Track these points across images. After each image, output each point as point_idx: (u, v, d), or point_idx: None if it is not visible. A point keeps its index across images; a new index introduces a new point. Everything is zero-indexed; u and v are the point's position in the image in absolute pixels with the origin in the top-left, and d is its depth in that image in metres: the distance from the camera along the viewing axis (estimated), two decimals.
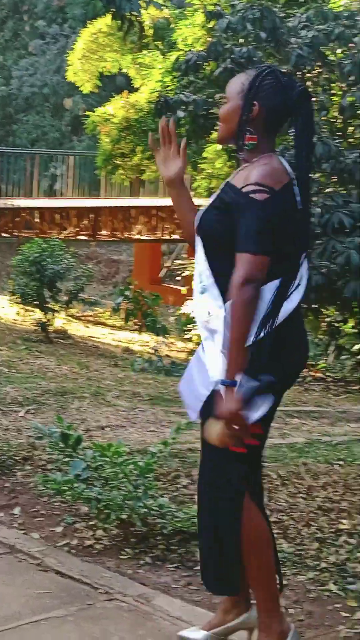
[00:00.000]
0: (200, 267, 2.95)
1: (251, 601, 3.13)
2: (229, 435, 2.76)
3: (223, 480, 2.94)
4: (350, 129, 11.10)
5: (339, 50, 11.27)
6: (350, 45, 11.04)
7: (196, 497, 3.28)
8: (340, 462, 5.30)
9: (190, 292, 16.66)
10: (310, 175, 3.04)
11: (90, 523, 4.30)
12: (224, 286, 2.84)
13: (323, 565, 3.89)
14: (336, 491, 4.72)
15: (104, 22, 18.04)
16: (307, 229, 2.99)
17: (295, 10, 12.24)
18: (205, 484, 3.04)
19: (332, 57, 11.30)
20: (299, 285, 2.90)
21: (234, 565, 2.97)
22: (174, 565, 3.95)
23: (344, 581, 3.78)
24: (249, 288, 2.73)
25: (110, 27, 15.94)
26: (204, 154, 15.54)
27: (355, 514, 4.40)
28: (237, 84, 2.96)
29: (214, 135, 12.86)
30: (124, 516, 4.12)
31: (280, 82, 2.93)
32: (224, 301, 2.84)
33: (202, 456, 3.09)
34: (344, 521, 4.30)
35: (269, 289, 2.83)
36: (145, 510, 4.08)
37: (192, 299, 13.39)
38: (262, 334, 2.79)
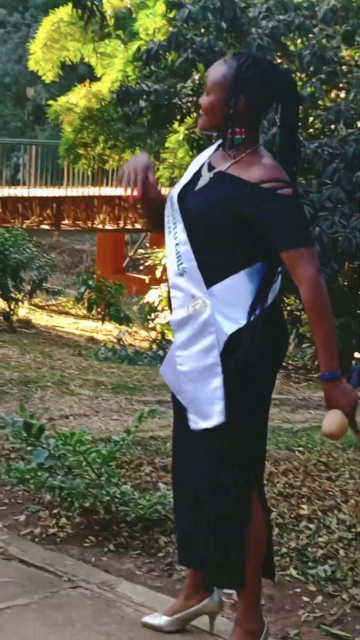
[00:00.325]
0: (181, 248, 2.88)
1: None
2: (350, 423, 2.75)
3: (232, 483, 2.88)
4: (310, 119, 11.18)
5: (299, 41, 11.34)
6: (310, 35, 11.11)
7: (171, 490, 3.32)
8: (301, 449, 5.36)
9: (153, 282, 16.69)
10: (297, 164, 2.97)
11: (54, 511, 4.32)
12: (207, 273, 2.83)
13: (284, 550, 3.94)
14: (296, 477, 4.78)
15: (66, 10, 17.92)
16: None
17: (256, 1, 12.26)
18: (209, 487, 2.92)
19: (292, 48, 11.36)
20: (281, 270, 2.92)
21: (240, 562, 2.92)
22: (137, 552, 3.98)
23: (304, 566, 3.83)
24: (322, 280, 2.76)
25: (72, 16, 15.84)
26: (166, 144, 15.51)
27: (315, 499, 4.46)
28: (219, 75, 2.86)
29: (176, 125, 12.89)
30: (87, 504, 4.14)
31: (264, 71, 2.84)
32: (207, 287, 2.83)
33: (201, 459, 2.94)
34: (304, 507, 4.36)
35: (254, 273, 2.85)
36: (108, 498, 4.10)
37: (155, 288, 13.43)
38: (252, 318, 2.82)
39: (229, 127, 2.86)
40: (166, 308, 14.37)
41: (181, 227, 2.89)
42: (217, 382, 2.81)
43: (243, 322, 2.82)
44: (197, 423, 2.87)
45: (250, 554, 2.91)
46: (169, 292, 3.00)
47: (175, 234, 2.92)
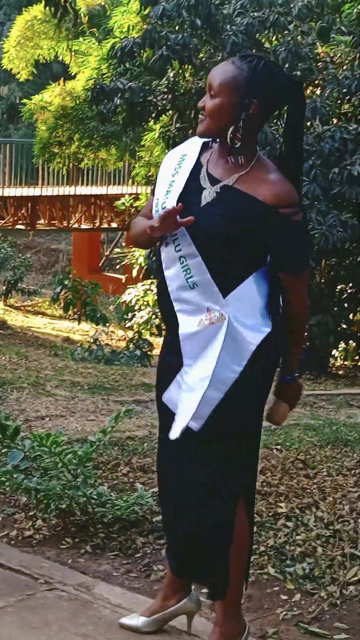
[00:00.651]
0: (190, 261, 2.76)
1: (191, 587, 3.15)
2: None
3: (222, 486, 2.85)
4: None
5: (273, 38, 11.34)
6: (285, 32, 11.11)
7: (157, 490, 3.20)
8: (278, 447, 5.35)
9: (129, 281, 16.66)
10: (301, 168, 2.92)
11: (30, 513, 4.29)
12: (224, 283, 2.76)
13: (262, 548, 3.93)
14: (274, 475, 4.77)
15: (39, 8, 17.88)
16: None
17: None
18: (197, 489, 2.86)
19: (267, 45, 11.36)
20: None
21: (225, 570, 2.92)
22: (114, 553, 3.95)
23: (282, 564, 3.82)
24: (306, 298, 2.93)
25: (46, 14, 15.77)
26: (142, 142, 15.51)
27: (293, 497, 4.44)
28: (228, 77, 2.74)
29: (152, 123, 12.85)
30: (64, 506, 4.11)
31: (275, 75, 2.76)
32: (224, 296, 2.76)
33: (190, 460, 2.88)
34: (282, 505, 4.34)
35: (261, 276, 2.83)
36: (85, 499, 4.07)
37: (132, 287, 13.38)
38: (275, 324, 2.83)
39: (240, 132, 2.74)
40: (143, 307, 14.35)
41: (186, 239, 2.77)
42: (201, 393, 2.75)
43: (267, 329, 2.80)
44: (174, 432, 2.82)
45: (232, 560, 2.89)
46: (164, 305, 2.90)
47: (178, 246, 2.79)
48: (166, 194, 2.85)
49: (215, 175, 2.81)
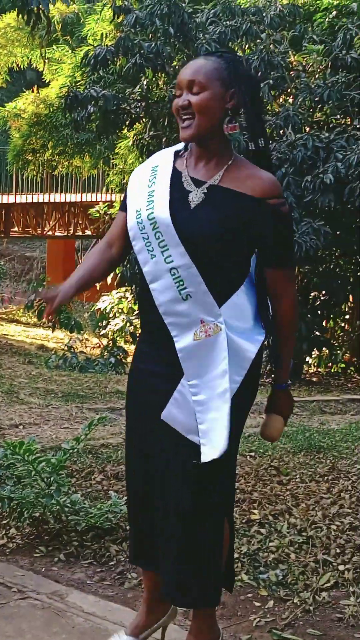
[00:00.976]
0: (183, 272, 2.68)
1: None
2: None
3: (211, 500, 2.78)
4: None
5: (246, 46, 11.39)
6: (257, 41, 11.17)
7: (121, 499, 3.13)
8: (252, 454, 5.37)
9: (104, 288, 16.64)
10: (267, 140, 2.87)
11: (3, 522, 4.27)
12: (217, 292, 2.70)
13: (235, 555, 3.92)
14: (248, 482, 4.78)
15: (13, 16, 17.86)
16: None
17: (203, 6, 12.31)
18: (187, 505, 2.75)
19: (240, 53, 11.40)
20: None
21: (219, 580, 2.87)
22: (88, 561, 3.95)
23: (255, 571, 3.83)
24: (294, 296, 2.86)
25: (19, 21, 15.76)
26: (116, 150, 15.52)
27: (267, 504, 4.46)
28: (210, 70, 2.71)
29: (125, 130, 12.87)
30: (37, 514, 4.11)
31: (244, 66, 2.81)
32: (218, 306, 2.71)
33: (177, 477, 2.77)
34: (255, 511, 4.36)
35: (249, 285, 2.81)
36: (58, 507, 4.07)
37: (107, 295, 13.34)
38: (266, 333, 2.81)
39: (232, 120, 2.73)
40: (118, 315, 14.33)
41: (180, 250, 2.68)
42: (227, 408, 2.68)
43: (260, 337, 2.77)
44: (208, 455, 2.68)
45: None
46: (150, 317, 2.80)
47: (168, 257, 2.70)
48: (148, 204, 2.76)
49: (198, 177, 2.77)
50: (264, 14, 11.40)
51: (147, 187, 2.80)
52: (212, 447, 2.68)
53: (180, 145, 2.90)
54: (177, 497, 2.77)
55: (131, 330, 13.90)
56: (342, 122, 11.07)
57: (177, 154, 2.88)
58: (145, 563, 3.01)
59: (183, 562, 2.79)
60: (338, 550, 3.95)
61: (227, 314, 2.70)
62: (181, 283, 2.69)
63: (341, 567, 3.80)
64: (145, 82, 11.78)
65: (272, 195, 2.71)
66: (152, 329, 2.83)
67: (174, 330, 2.72)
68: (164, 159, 2.88)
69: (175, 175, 2.80)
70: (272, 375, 2.96)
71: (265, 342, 2.83)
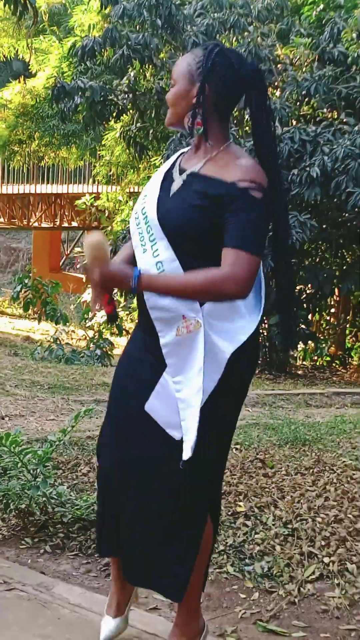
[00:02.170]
0: (166, 266, 2.68)
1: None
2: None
3: (194, 497, 2.78)
4: (246, 117, 11.24)
5: (234, 39, 11.39)
6: (245, 33, 11.16)
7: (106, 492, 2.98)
8: (238, 446, 5.38)
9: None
10: (278, 162, 2.82)
11: None
12: None
13: (221, 547, 3.95)
14: (233, 475, 4.79)
15: (0, 6, 17.78)
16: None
17: None
18: (168, 499, 2.77)
19: (227, 45, 11.38)
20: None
21: (187, 575, 2.84)
22: (74, 553, 3.96)
23: (241, 563, 3.84)
24: (232, 288, 2.60)
25: (6, 12, 15.70)
26: (103, 141, 15.49)
27: (252, 496, 4.47)
28: (183, 65, 2.75)
29: (112, 122, 12.86)
30: (23, 506, 4.10)
31: (231, 60, 2.72)
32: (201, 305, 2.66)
33: (163, 474, 2.77)
34: (241, 504, 4.37)
35: None
36: (45, 499, 4.07)
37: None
38: (251, 334, 2.74)
39: (195, 115, 2.71)
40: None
41: (164, 243, 2.68)
42: (198, 406, 2.66)
43: (243, 337, 2.70)
44: (186, 453, 2.68)
45: (197, 563, 2.86)
46: (144, 310, 2.79)
47: (155, 251, 2.70)
48: (143, 199, 2.81)
49: (185, 166, 2.78)
50: (251, 7, 11.40)
51: (149, 187, 2.85)
52: (188, 445, 2.68)
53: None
54: (152, 487, 2.78)
55: (117, 322, 13.90)
56: (329, 116, 11.09)
57: (183, 154, 2.90)
58: (112, 551, 3.01)
59: (152, 552, 2.82)
60: (323, 543, 3.96)
61: (208, 311, 2.67)
62: (160, 269, 2.70)
63: (326, 560, 3.82)
64: (132, 74, 11.76)
65: (244, 179, 2.63)
66: (146, 320, 2.80)
67: (158, 325, 2.71)
68: (171, 159, 2.91)
69: (171, 169, 2.83)
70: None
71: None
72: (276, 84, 11.33)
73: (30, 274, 16.56)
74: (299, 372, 12.00)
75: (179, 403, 2.69)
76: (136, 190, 15.89)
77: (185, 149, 2.92)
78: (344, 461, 5.13)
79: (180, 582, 2.84)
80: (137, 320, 2.96)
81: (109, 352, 12.51)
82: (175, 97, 2.76)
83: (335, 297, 12.78)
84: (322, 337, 13.03)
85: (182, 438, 2.69)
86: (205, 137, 2.72)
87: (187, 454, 2.68)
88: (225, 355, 2.67)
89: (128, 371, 2.89)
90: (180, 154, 2.90)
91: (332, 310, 13.29)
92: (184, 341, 2.67)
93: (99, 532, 3.06)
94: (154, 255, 2.71)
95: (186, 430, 2.69)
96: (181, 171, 2.78)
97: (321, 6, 11.86)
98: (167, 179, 2.81)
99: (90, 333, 14.56)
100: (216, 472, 2.93)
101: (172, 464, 2.71)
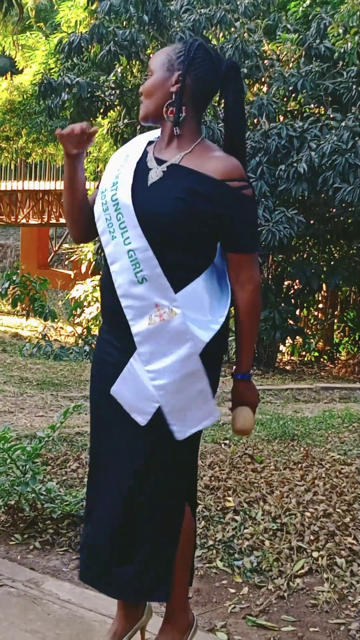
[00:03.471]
0: (139, 255, 2.67)
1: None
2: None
3: (173, 488, 2.78)
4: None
5: (220, 35, 11.39)
6: (231, 29, 11.17)
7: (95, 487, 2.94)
8: (227, 441, 5.39)
9: (78, 277, 16.60)
10: (245, 154, 2.85)
11: None
12: (176, 277, 2.67)
13: (210, 542, 3.96)
14: (222, 470, 4.80)
15: None
16: None
17: None
18: (148, 493, 2.76)
19: (214, 42, 11.40)
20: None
21: (171, 568, 2.83)
22: (63, 549, 3.96)
23: (230, 558, 3.86)
24: (258, 280, 2.79)
25: None
26: None
27: (241, 491, 4.48)
28: (162, 56, 2.77)
29: (100, 118, 12.84)
30: (12, 502, 4.10)
31: (210, 55, 2.76)
32: (175, 292, 2.67)
33: (138, 464, 2.76)
34: (230, 499, 4.38)
35: (211, 273, 2.78)
36: (34, 495, 4.07)
37: (81, 283, 13.29)
38: (222, 322, 2.76)
39: (172, 104, 2.72)
40: (92, 303, 14.32)
41: (137, 231, 2.68)
42: (204, 384, 2.70)
43: (216, 326, 2.71)
44: (184, 432, 2.70)
45: (180, 556, 2.86)
46: (109, 301, 2.78)
47: (127, 239, 2.69)
48: (113, 185, 2.77)
49: (161, 157, 2.77)
50: (238, 3, 11.40)
51: (116, 171, 2.81)
52: (189, 424, 2.70)
53: (157, 132, 2.91)
54: (125, 475, 2.78)
55: None
56: (316, 112, 11.11)
57: (150, 143, 2.89)
58: (96, 578, 2.90)
59: (139, 554, 2.78)
60: (312, 537, 3.98)
61: (183, 300, 2.68)
62: (137, 265, 2.68)
63: (315, 554, 3.84)
64: (119, 70, 11.75)
65: (232, 177, 2.67)
66: (111, 313, 2.80)
67: (129, 313, 2.70)
68: (136, 145, 2.89)
69: (143, 158, 2.81)
70: (234, 367, 2.88)
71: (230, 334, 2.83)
72: (263, 79, 11.34)
73: (19, 271, 16.55)
74: (287, 368, 12.03)
75: (157, 390, 2.69)
76: None
77: (152, 137, 2.90)
78: (333, 456, 5.15)
79: (165, 581, 2.83)
80: (101, 323, 2.94)
81: None
82: (152, 86, 2.75)
83: (323, 292, 12.81)
84: (310, 333, 13.07)
85: (147, 424, 2.69)
86: (179, 125, 2.73)
87: (181, 434, 2.70)
88: (200, 344, 2.68)
89: (99, 375, 2.91)
90: (148, 143, 2.87)
91: (320, 305, 13.32)
92: (157, 330, 2.66)
93: (83, 554, 2.96)
94: (125, 244, 2.70)
95: (173, 415, 2.69)
96: (157, 160, 2.76)
97: (307, 2, 11.87)
98: (140, 167, 2.78)
99: (79, 329, 14.55)
100: (193, 458, 2.94)
101: (137, 448, 2.73)
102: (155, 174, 2.73)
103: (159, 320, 2.67)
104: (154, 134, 2.91)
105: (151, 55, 11.85)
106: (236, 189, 2.66)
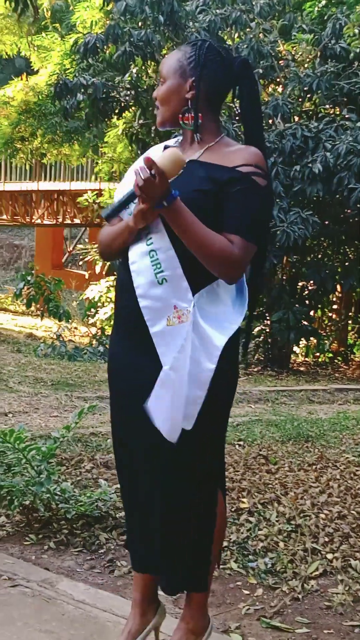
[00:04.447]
0: (161, 255, 2.66)
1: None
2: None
3: (206, 477, 2.79)
4: None
5: (235, 35, 11.38)
6: (247, 29, 11.16)
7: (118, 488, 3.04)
8: (241, 442, 5.39)
9: (93, 277, 16.62)
10: (265, 148, 2.80)
11: None
12: (196, 279, 2.65)
13: (224, 544, 3.95)
14: (237, 471, 4.80)
15: (1, 3, 17.78)
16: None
17: None
18: (183, 484, 2.75)
19: (229, 42, 11.39)
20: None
21: (207, 561, 2.86)
22: (78, 549, 3.97)
23: (244, 559, 3.86)
24: (229, 267, 2.63)
25: (8, 9, 15.70)
26: (105, 138, 15.49)
27: (256, 492, 4.48)
28: (173, 61, 2.75)
29: (115, 119, 12.85)
30: (27, 502, 4.11)
31: (221, 55, 2.75)
32: (193, 294, 2.65)
33: (173, 459, 2.74)
34: (244, 500, 4.38)
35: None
36: (49, 495, 4.08)
37: (95, 284, 13.31)
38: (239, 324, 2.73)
39: (189, 110, 2.72)
40: (107, 303, 14.34)
41: (160, 229, 2.66)
42: (203, 392, 2.67)
43: (235, 326, 2.71)
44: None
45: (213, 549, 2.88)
46: (127, 302, 2.76)
47: (149, 239, 2.69)
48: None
49: (194, 156, 2.75)
50: (253, 3, 11.38)
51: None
52: (170, 428, 2.67)
53: (172, 140, 2.92)
54: (162, 479, 2.77)
55: None
56: (331, 112, 11.08)
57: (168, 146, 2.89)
58: (145, 566, 2.94)
59: (173, 545, 2.79)
60: (326, 539, 3.98)
61: (202, 302, 2.67)
62: (158, 266, 2.67)
63: (330, 556, 3.83)
64: (134, 71, 11.76)
65: (246, 163, 2.65)
66: (128, 314, 2.79)
67: (147, 314, 2.68)
68: (154, 151, 2.88)
69: None
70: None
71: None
72: (278, 80, 11.33)
73: (33, 271, 16.59)
74: (301, 369, 12.00)
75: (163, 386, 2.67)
76: None
77: (170, 142, 2.90)
78: (347, 457, 5.14)
79: (204, 571, 2.85)
80: (113, 326, 2.93)
81: None
82: (167, 93, 2.75)
83: (337, 293, 12.78)
84: (324, 334, 13.04)
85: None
86: (199, 130, 2.73)
87: (173, 437, 2.66)
88: (219, 344, 2.67)
89: (118, 377, 2.88)
90: (165, 148, 2.86)
91: (334, 306, 13.29)
92: (175, 331, 2.65)
93: (131, 546, 2.99)
94: (148, 244, 2.69)
95: (159, 409, 2.67)
96: None
97: (323, 2, 11.85)
98: None
99: (93, 330, 14.57)
100: (222, 446, 2.94)
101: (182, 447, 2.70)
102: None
103: (177, 322, 2.66)
104: (169, 142, 2.92)
105: (166, 55, 11.86)
106: (247, 173, 2.64)
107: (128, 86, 12.01)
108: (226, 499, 3.04)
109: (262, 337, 11.87)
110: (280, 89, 11.34)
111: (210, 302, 2.70)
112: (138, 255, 2.72)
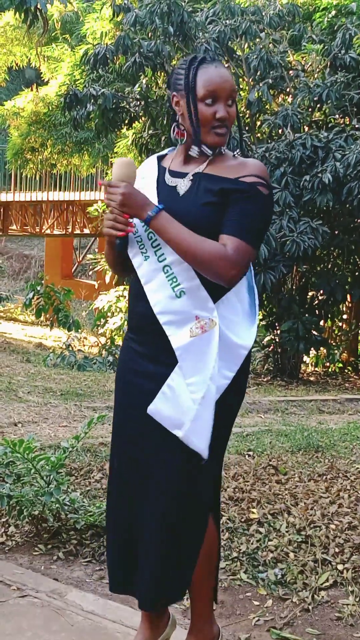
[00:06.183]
0: (175, 268, 2.68)
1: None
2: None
3: (196, 494, 2.77)
4: (258, 123, 11.24)
5: (245, 46, 11.39)
6: (256, 40, 11.17)
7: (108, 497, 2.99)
8: (250, 453, 5.37)
9: (102, 287, 16.62)
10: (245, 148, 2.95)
11: (2, 520, 4.28)
12: (212, 285, 2.67)
13: (234, 554, 3.95)
14: (247, 481, 4.78)
15: (12, 15, 17.87)
16: None
17: (202, 5, 12.31)
18: (172, 500, 2.73)
19: (239, 52, 11.41)
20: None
21: (188, 574, 2.83)
22: (87, 559, 3.96)
23: (254, 570, 3.84)
24: (226, 269, 2.62)
25: (18, 20, 15.77)
26: (115, 149, 15.51)
27: (265, 503, 4.46)
28: (234, 83, 2.78)
29: (125, 129, 12.88)
30: (36, 512, 4.10)
31: (185, 63, 2.84)
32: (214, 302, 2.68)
33: (163, 470, 2.75)
34: (254, 510, 4.36)
35: (243, 284, 2.80)
36: (58, 505, 4.07)
37: (105, 294, 13.32)
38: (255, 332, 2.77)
39: (177, 125, 2.79)
40: (116, 313, 14.35)
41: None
42: (213, 404, 2.67)
43: (254, 330, 2.74)
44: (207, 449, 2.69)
45: (204, 565, 2.86)
46: (138, 307, 2.78)
47: (161, 256, 2.70)
48: None
49: (182, 171, 2.79)
50: (263, 13, 11.40)
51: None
52: (202, 443, 2.67)
53: (165, 150, 2.95)
54: (160, 495, 2.75)
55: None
56: (341, 122, 11.08)
57: (160, 158, 2.92)
58: (123, 587, 2.92)
59: (161, 561, 2.76)
60: (337, 550, 3.95)
61: (222, 309, 2.69)
62: (174, 280, 2.68)
63: (340, 567, 3.81)
64: (144, 81, 11.78)
65: (250, 174, 2.69)
66: (139, 318, 2.79)
67: (169, 329, 2.68)
68: (147, 165, 2.91)
69: (161, 175, 2.83)
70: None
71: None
72: (288, 90, 11.33)
73: (43, 281, 16.60)
74: (311, 379, 11.97)
75: (196, 404, 2.66)
76: None
77: (163, 153, 2.93)
78: (358, 468, 5.12)
79: (183, 581, 2.83)
80: (127, 333, 2.92)
81: None
82: (235, 117, 2.79)
83: (347, 303, 12.75)
84: (334, 344, 13.00)
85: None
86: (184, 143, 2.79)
87: (205, 453, 2.67)
88: (243, 351, 2.71)
89: (127, 386, 2.87)
90: (159, 159, 2.90)
91: (344, 316, 13.25)
92: (198, 341, 2.66)
93: (111, 566, 2.95)
94: (160, 260, 2.71)
95: (198, 429, 2.66)
96: (178, 174, 2.79)
97: (333, 12, 11.85)
98: (161, 185, 2.80)
99: (103, 340, 14.57)
100: (219, 468, 2.93)
101: (171, 458, 2.72)
102: (183, 184, 2.76)
103: (200, 332, 2.66)
104: (161, 153, 2.95)
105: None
106: (250, 183, 2.67)
107: (138, 97, 12.03)
108: (220, 526, 3.02)
109: (271, 347, 11.85)
110: (290, 99, 11.35)
111: (230, 309, 2.72)
112: (150, 273, 2.72)
